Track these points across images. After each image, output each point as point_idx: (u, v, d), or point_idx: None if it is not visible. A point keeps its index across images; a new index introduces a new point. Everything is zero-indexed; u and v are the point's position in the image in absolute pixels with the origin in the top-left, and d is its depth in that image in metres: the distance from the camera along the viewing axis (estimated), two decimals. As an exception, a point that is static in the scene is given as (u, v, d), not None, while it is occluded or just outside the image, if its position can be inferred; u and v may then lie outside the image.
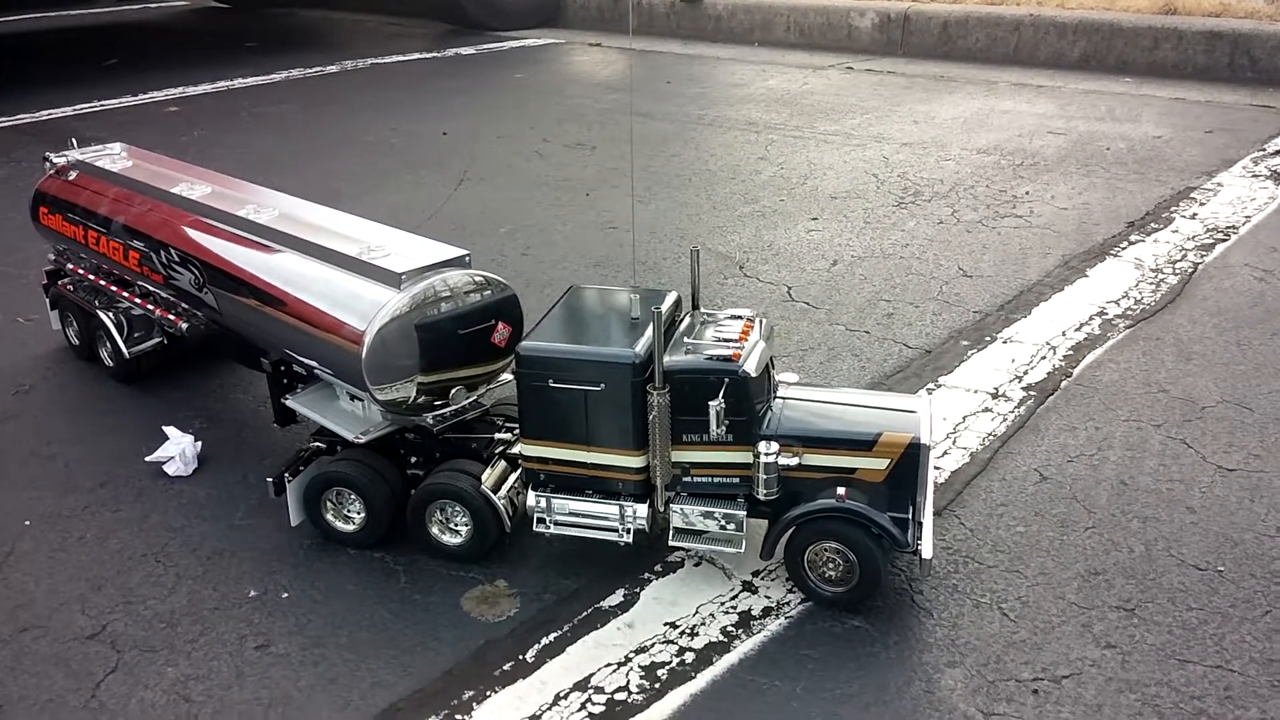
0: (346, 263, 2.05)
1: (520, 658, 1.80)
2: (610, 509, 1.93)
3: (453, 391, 2.03)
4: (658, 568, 2.02)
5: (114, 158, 2.79)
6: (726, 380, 1.83)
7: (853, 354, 2.82)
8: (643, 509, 1.92)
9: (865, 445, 1.87)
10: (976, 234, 3.62)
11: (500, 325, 2.07)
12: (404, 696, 1.72)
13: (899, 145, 4.69)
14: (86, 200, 2.64)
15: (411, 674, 1.77)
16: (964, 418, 2.51)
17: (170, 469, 2.34)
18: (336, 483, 2.04)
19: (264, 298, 2.15)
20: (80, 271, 2.76)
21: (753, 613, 1.90)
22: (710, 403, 1.80)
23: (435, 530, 2.03)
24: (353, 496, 2.04)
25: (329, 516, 2.07)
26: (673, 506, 1.93)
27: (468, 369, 2.05)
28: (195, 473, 2.34)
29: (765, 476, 1.86)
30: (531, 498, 1.96)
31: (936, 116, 5.17)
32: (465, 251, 2.08)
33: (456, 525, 2.02)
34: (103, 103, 5.68)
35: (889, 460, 1.86)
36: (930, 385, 2.66)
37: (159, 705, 1.71)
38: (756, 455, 1.85)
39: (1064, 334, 2.90)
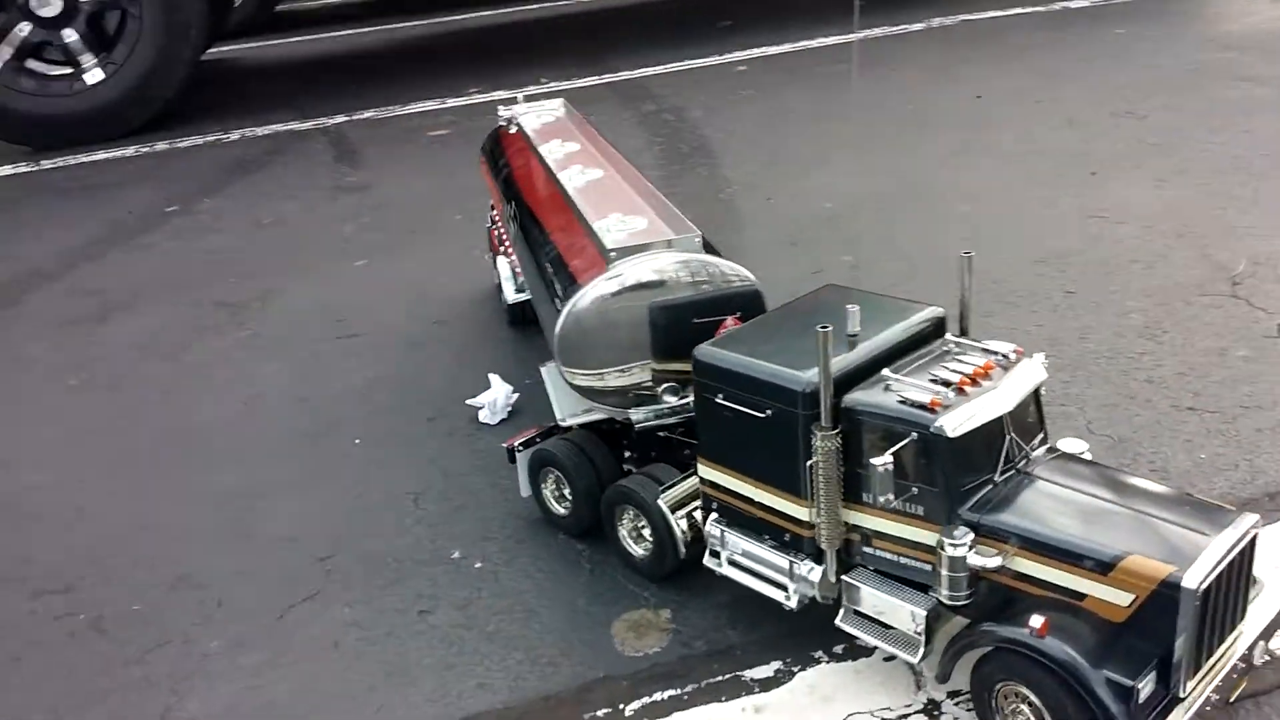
0: (587, 230, 1.91)
1: (620, 707, 1.56)
2: (781, 562, 1.58)
3: (661, 387, 1.80)
4: (838, 649, 1.61)
5: (541, 115, 2.90)
6: (914, 435, 1.37)
7: (1317, 429, 1.97)
8: (815, 571, 1.53)
9: (1100, 567, 1.28)
10: None
11: (731, 322, 1.78)
12: (491, 709, 1.59)
13: None
14: (497, 154, 2.81)
15: (518, 688, 1.63)
16: None
17: (482, 415, 2.42)
18: (547, 462, 1.94)
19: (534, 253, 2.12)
20: (496, 219, 2.97)
21: (914, 745, 1.43)
22: (874, 461, 1.36)
23: (624, 535, 1.84)
24: (564, 479, 1.93)
25: (546, 495, 1.98)
26: (846, 580, 1.51)
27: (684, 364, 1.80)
28: (502, 423, 2.40)
29: (949, 573, 1.37)
30: (709, 525, 1.68)
31: None
32: (697, 232, 1.81)
33: (644, 535, 1.81)
34: (688, 63, 6.04)
35: (1132, 597, 1.26)
36: None
37: (318, 641, 1.78)
38: (940, 542, 1.37)
39: None
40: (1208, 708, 1.28)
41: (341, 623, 1.82)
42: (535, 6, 9.25)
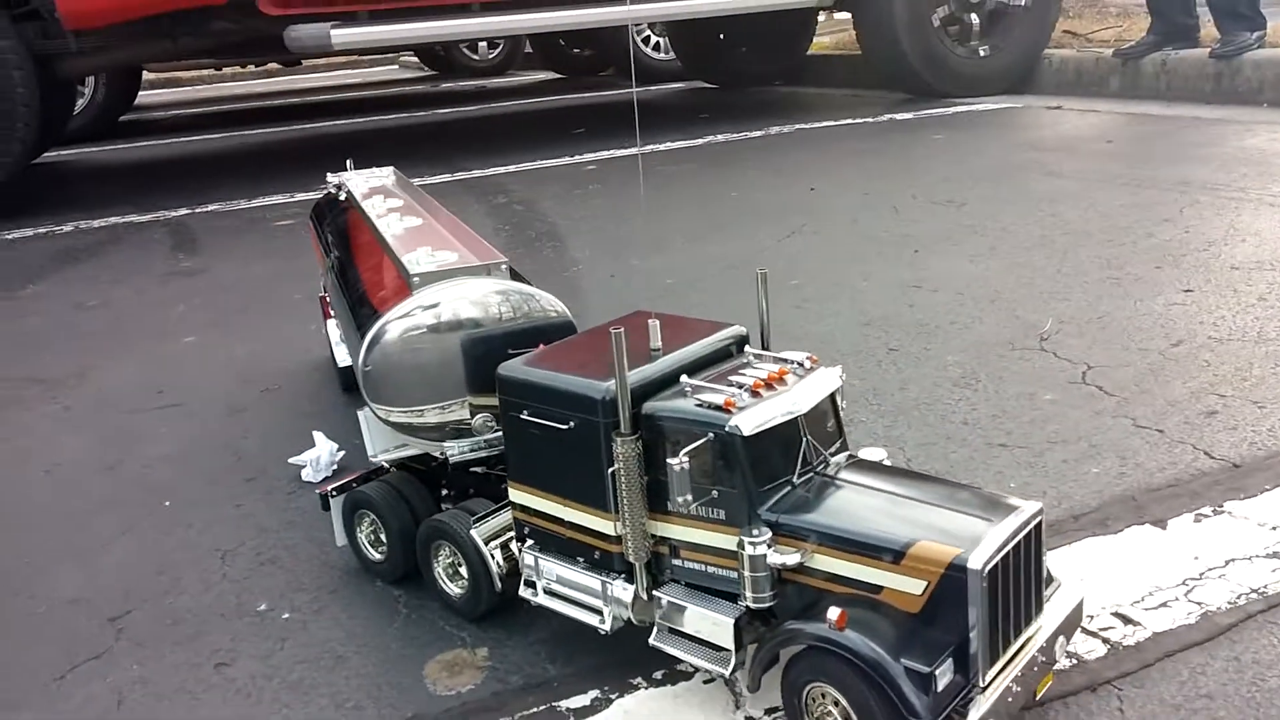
0: (395, 264, 1.89)
1: (426, 743, 1.48)
2: (594, 583, 1.54)
3: (475, 419, 1.76)
4: (658, 674, 1.57)
5: (369, 180, 2.88)
6: (710, 435, 1.37)
7: (1118, 456, 2.06)
8: (627, 590, 1.49)
9: (890, 555, 1.29)
10: None
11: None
12: (285, 753, 1.48)
13: (1378, 210, 3.50)
14: (322, 217, 2.77)
15: (316, 731, 1.52)
16: (1226, 561, 1.69)
17: (305, 474, 2.33)
18: (361, 504, 1.86)
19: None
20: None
21: (727, 761, 1.38)
22: (670, 461, 1.35)
23: (440, 574, 1.76)
24: (379, 521, 1.85)
25: (362, 540, 1.90)
26: (658, 595, 1.48)
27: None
28: (325, 481, 2.30)
29: (750, 574, 1.35)
30: (523, 554, 1.63)
31: None
32: (503, 259, 1.81)
33: (460, 573, 1.74)
34: (540, 162, 6.16)
35: (924, 583, 1.26)
36: (1205, 510, 1.84)
37: (99, 700, 1.63)
38: (740, 543, 1.35)
39: None
40: (1010, 699, 1.28)
41: (129, 680, 1.67)
42: (392, 117, 9.35)
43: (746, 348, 1.58)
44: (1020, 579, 1.30)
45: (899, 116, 6.65)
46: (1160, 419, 2.20)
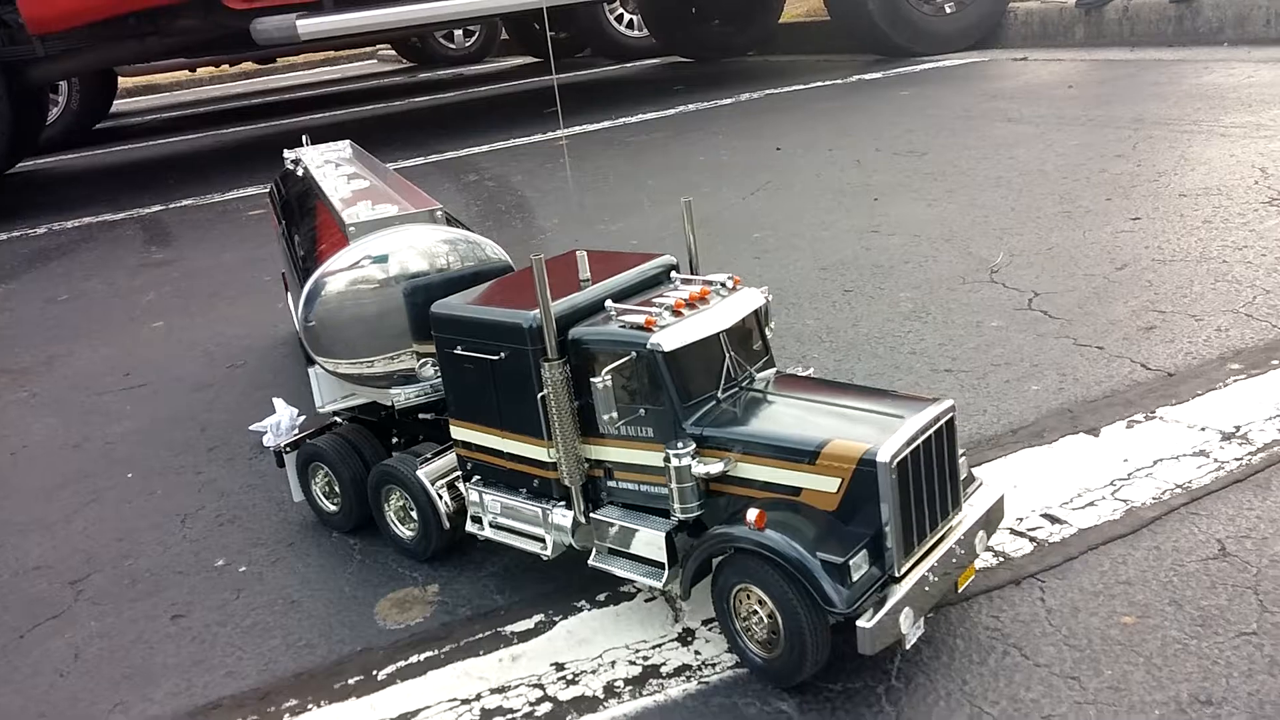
0: (336, 220, 1.92)
1: (374, 674, 1.51)
2: (535, 511, 1.57)
3: (419, 365, 1.80)
4: (601, 596, 1.61)
5: (325, 153, 2.91)
6: (633, 353, 1.40)
7: (1059, 373, 2.10)
8: (566, 516, 1.53)
9: (806, 457, 1.32)
10: (1367, 233, 2.57)
11: (483, 295, 1.80)
12: (237, 694, 1.52)
13: (1329, 133, 3.53)
14: (278, 191, 2.80)
15: (268, 670, 1.56)
16: (1155, 462, 1.73)
17: (266, 440, 2.36)
18: (314, 457, 1.90)
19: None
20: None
21: (663, 670, 1.42)
22: (594, 380, 1.39)
23: (391, 518, 1.80)
24: (332, 473, 1.89)
25: (317, 493, 1.93)
26: (595, 518, 1.52)
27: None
28: (286, 446, 2.33)
29: (677, 485, 1.39)
30: (468, 490, 1.67)
31: None
32: (436, 206, 1.84)
33: (411, 515, 1.77)
34: (513, 140, 6.18)
35: (838, 480, 1.30)
36: (1138, 417, 1.88)
37: (59, 654, 1.67)
38: (666, 456, 1.39)
39: None
40: (926, 588, 1.32)
41: (86, 635, 1.71)
42: (370, 108, 9.35)
43: (673, 274, 1.61)
44: (932, 473, 1.33)
45: (868, 77, 6.67)
46: (1101, 337, 2.23)
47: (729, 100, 6.53)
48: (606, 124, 6.30)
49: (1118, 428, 1.86)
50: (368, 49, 15.91)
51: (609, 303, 1.48)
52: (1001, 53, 6.99)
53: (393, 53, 15.12)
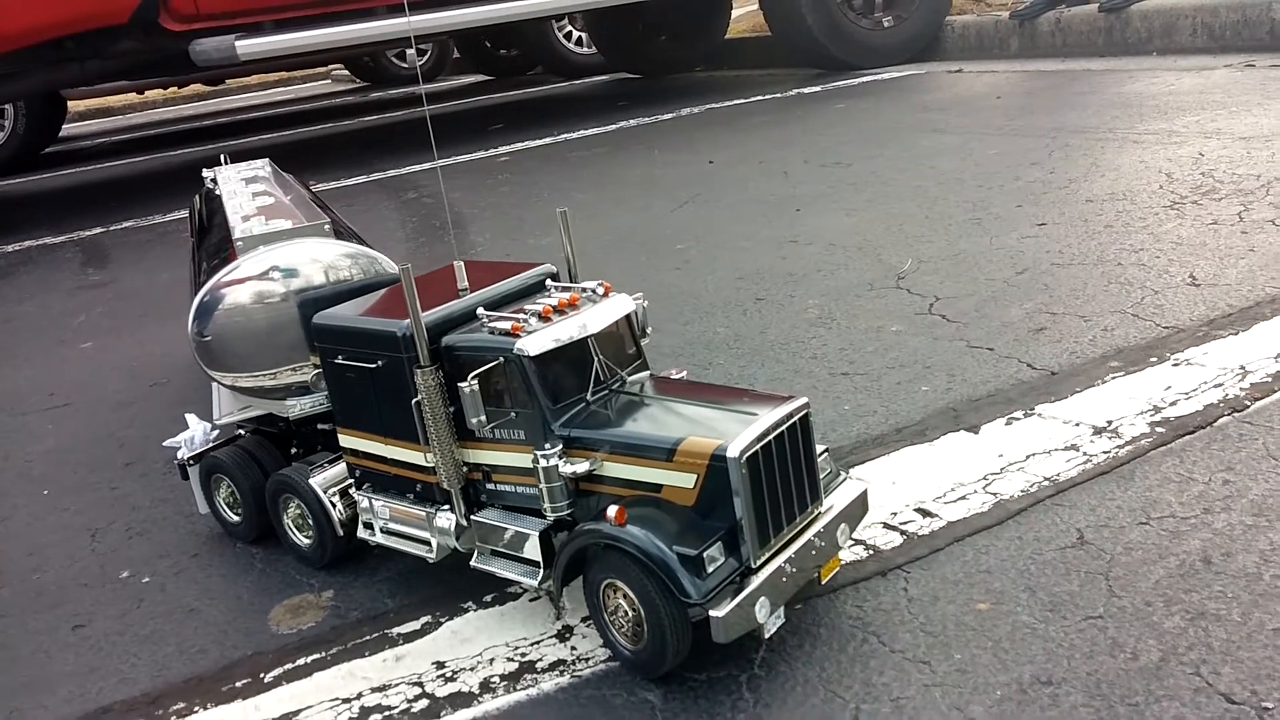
0: (230, 238, 1.95)
1: (261, 676, 1.55)
2: (420, 515, 1.62)
3: (313, 376, 1.84)
4: (488, 598, 1.65)
5: (241, 172, 2.93)
6: (500, 359, 1.45)
7: (947, 374, 2.17)
8: (449, 519, 1.58)
9: (664, 455, 1.38)
10: (1253, 236, 2.66)
11: (378, 306, 1.84)
12: (128, 698, 1.55)
13: (1232, 140, 3.64)
14: (194, 210, 2.83)
15: (160, 676, 1.59)
16: (1027, 456, 1.80)
17: (180, 454, 2.38)
18: (216, 469, 1.93)
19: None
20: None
21: (539, 665, 1.47)
22: (460, 385, 1.43)
23: (289, 527, 1.84)
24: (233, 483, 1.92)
25: (220, 504, 1.96)
26: (476, 520, 1.56)
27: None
28: (200, 461, 2.36)
29: (546, 485, 1.44)
30: (358, 496, 1.71)
31: (1323, 106, 3.97)
32: (325, 220, 1.89)
33: (308, 523, 1.81)
34: (455, 158, 6.22)
35: (694, 476, 1.35)
36: (1018, 414, 1.95)
37: (-42, 668, 1.70)
38: (534, 457, 1.44)
39: (1278, 358, 1.99)
40: (784, 579, 1.37)
41: (-13, 649, 1.74)
42: (319, 128, 9.36)
43: (549, 282, 1.66)
44: (787, 467, 1.39)
45: (806, 90, 6.78)
46: (992, 339, 2.31)
47: (669, 115, 6.61)
48: (548, 140, 6.36)
49: (997, 425, 1.93)
50: (321, 69, 15.90)
51: (481, 310, 1.53)
52: (939, 65, 7.13)
53: (346, 72, 15.14)
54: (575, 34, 10.54)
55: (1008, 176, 3.66)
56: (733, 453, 1.31)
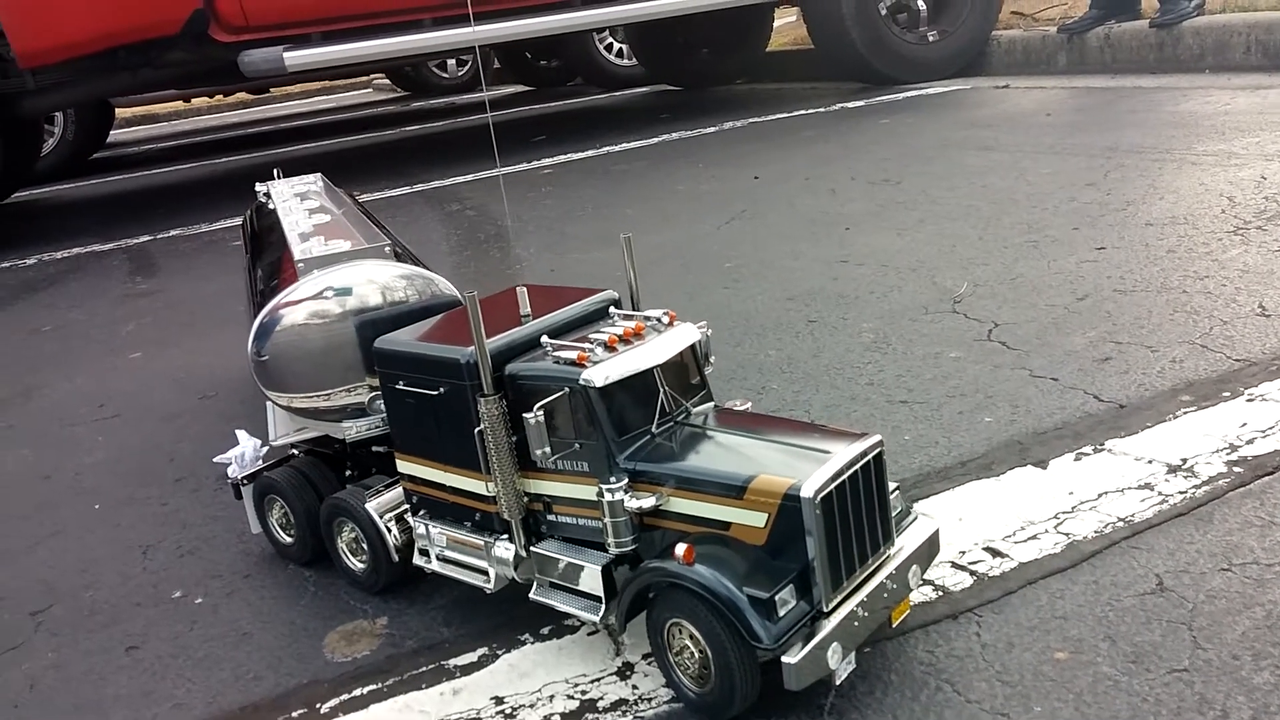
0: (289, 257, 1.94)
1: (317, 707, 1.52)
2: (478, 544, 1.59)
3: (370, 398, 1.82)
4: (546, 630, 1.62)
5: (294, 186, 2.93)
6: (565, 389, 1.42)
7: (1010, 404, 2.12)
8: (508, 550, 1.55)
9: (734, 492, 1.34)
10: (1324, 263, 2.59)
11: (436, 329, 1.82)
12: (183, 724, 1.54)
13: (1296, 163, 3.56)
14: (248, 225, 2.83)
15: (215, 703, 1.57)
16: (1099, 495, 1.75)
17: (230, 471, 2.37)
18: (270, 490, 1.92)
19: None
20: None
21: (600, 704, 1.44)
22: (525, 415, 1.41)
23: (343, 551, 1.82)
24: (287, 504, 1.91)
25: (273, 525, 1.95)
26: (536, 551, 1.53)
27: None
28: (250, 478, 2.35)
29: (610, 520, 1.41)
30: (415, 522, 1.68)
31: (1388, 128, 3.87)
32: (385, 241, 1.87)
33: (362, 547, 1.79)
34: (499, 170, 6.23)
35: (765, 515, 1.32)
36: (1087, 449, 1.90)
37: (13, 686, 1.68)
38: (599, 490, 1.41)
39: (1359, 392, 1.93)
40: (856, 623, 1.33)
41: (42, 667, 1.72)
42: (361, 137, 9.42)
43: (613, 309, 1.64)
44: (860, 507, 1.35)
45: (850, 105, 6.73)
46: (1056, 368, 2.25)
47: (713, 129, 6.59)
48: (590, 153, 6.35)
49: (1066, 460, 1.88)
50: (362, 78, 16.03)
51: (545, 339, 1.50)
52: (984, 80, 7.05)
53: (387, 81, 15.24)
54: (616, 46, 10.54)
55: (1062, 197, 3.59)
56: (807, 492, 1.28)
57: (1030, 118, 5.31)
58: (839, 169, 4.71)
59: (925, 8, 7.22)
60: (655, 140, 6.47)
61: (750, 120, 6.71)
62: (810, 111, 6.72)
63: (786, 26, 10.28)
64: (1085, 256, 2.94)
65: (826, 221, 3.80)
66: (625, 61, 10.52)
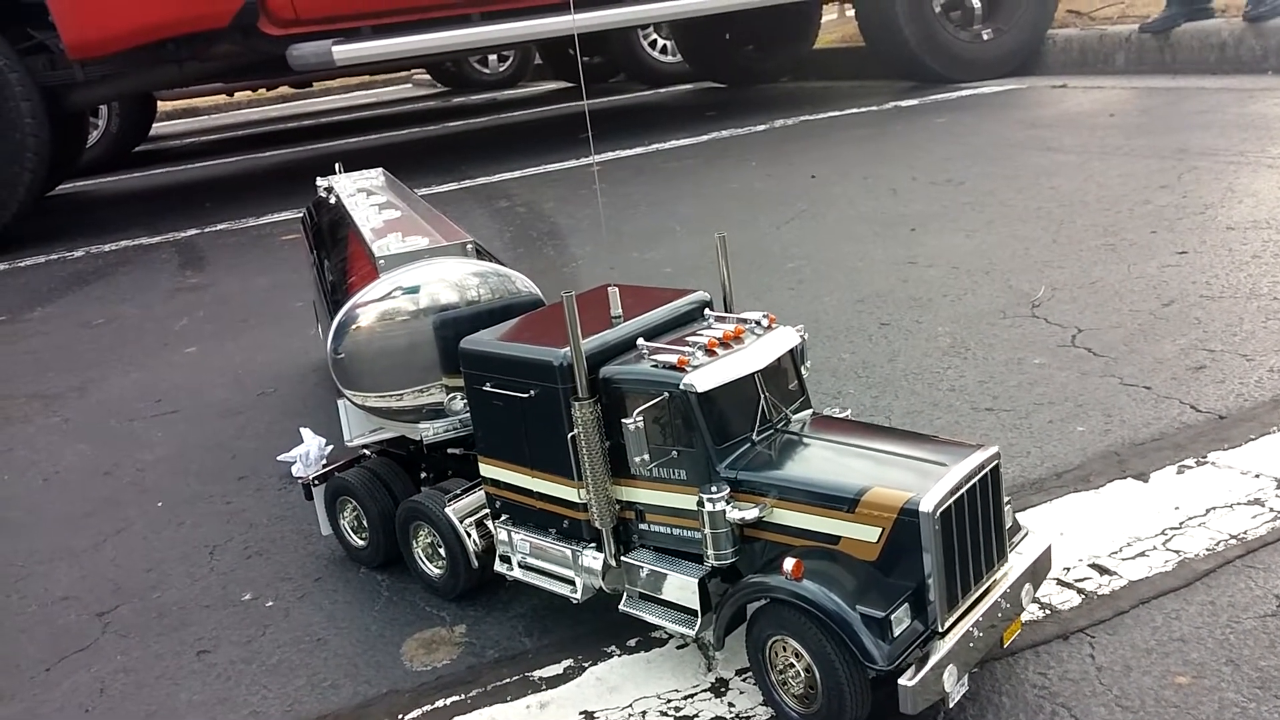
0: (366, 252, 1.90)
1: (400, 718, 1.48)
2: (565, 553, 1.54)
3: (449, 399, 1.77)
4: (632, 642, 1.56)
5: (357, 181, 2.90)
6: (665, 394, 1.36)
7: (1104, 413, 2.04)
8: (597, 559, 1.49)
9: (845, 505, 1.28)
10: None
11: (516, 329, 1.77)
12: (261, 732, 1.49)
13: (1380, 166, 3.44)
14: (311, 219, 2.79)
15: (292, 712, 1.53)
16: (1207, 510, 1.67)
17: (295, 470, 2.34)
18: (342, 491, 1.87)
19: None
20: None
21: (695, 722, 1.38)
22: (624, 420, 1.35)
23: (419, 555, 1.77)
24: (360, 507, 1.86)
25: (345, 527, 1.91)
26: (627, 561, 1.48)
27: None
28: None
29: (711, 531, 1.35)
30: (497, 528, 1.63)
31: None
32: (466, 238, 1.82)
33: (439, 553, 1.74)
34: (545, 167, 6.18)
35: (879, 530, 1.25)
36: (1189, 462, 1.82)
37: (84, 689, 1.65)
38: (700, 500, 1.35)
39: None
40: (971, 644, 1.27)
41: (112, 670, 1.69)
42: (404, 132, 9.41)
43: (707, 311, 1.58)
44: (978, 523, 1.28)
45: (903, 103, 6.62)
46: (1148, 376, 2.17)
47: (762, 126, 6.51)
48: (639, 150, 6.29)
49: (1168, 473, 1.80)
50: (402, 73, 16.06)
51: (641, 341, 1.45)
52: (1040, 80, 6.92)
53: (428, 76, 15.26)
54: (660, 42, 10.48)
55: (1136, 200, 3.49)
56: (926, 507, 1.21)
57: (1093, 118, 5.20)
58: (898, 168, 4.62)
59: (980, 5, 7.10)
60: (705, 138, 6.40)
61: (801, 118, 6.62)
62: (862, 110, 6.62)
63: (833, 23, 10.18)
64: (1167, 261, 2.85)
65: (889, 221, 3.72)
66: (669, 58, 10.45)
